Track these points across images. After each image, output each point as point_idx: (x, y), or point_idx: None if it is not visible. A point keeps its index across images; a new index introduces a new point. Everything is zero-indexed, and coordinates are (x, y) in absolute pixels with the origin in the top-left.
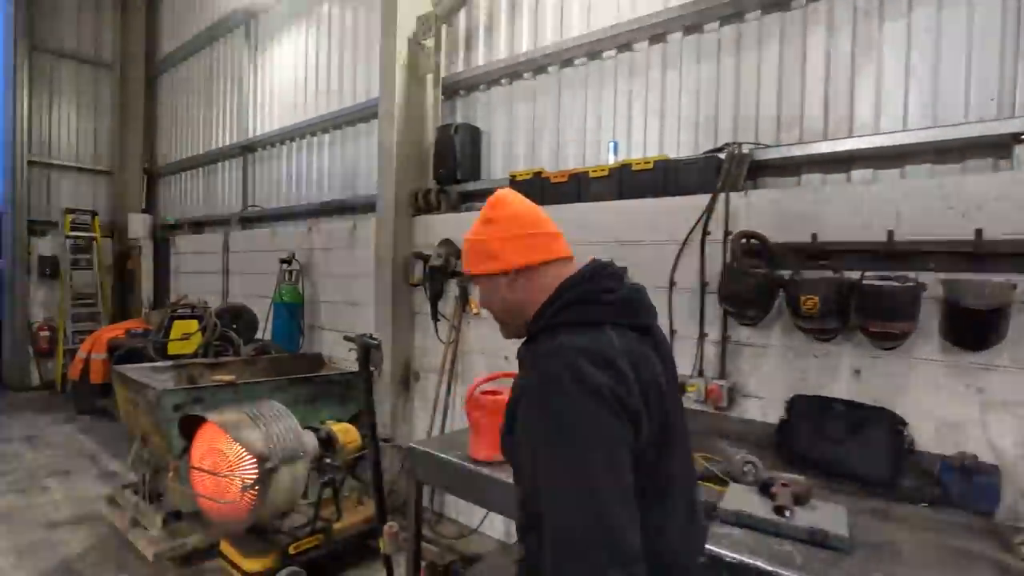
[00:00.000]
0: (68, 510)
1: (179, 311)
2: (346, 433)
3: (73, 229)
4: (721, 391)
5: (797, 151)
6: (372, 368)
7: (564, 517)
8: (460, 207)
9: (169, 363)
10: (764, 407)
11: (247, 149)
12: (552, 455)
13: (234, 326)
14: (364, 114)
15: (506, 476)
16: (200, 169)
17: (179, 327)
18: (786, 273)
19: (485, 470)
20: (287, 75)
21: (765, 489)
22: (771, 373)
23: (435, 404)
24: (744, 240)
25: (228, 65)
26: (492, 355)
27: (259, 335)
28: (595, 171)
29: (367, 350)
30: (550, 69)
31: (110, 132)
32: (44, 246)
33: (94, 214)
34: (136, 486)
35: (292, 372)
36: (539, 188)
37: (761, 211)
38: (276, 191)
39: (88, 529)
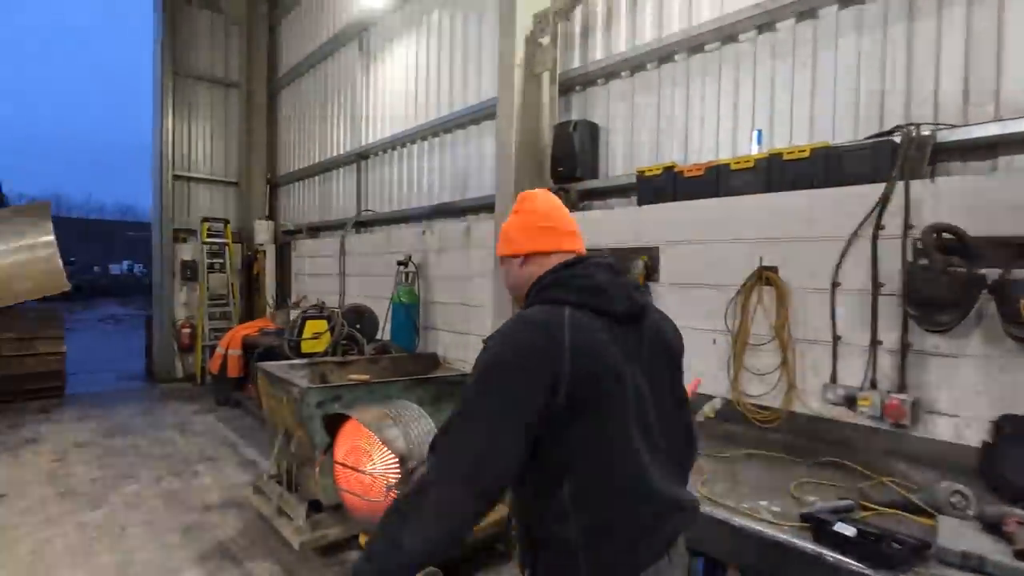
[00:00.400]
0: (218, 494)
1: (310, 311)
2: None
3: (209, 236)
4: (903, 406)
5: (995, 129)
6: None
7: (445, 435)
8: (580, 205)
9: (304, 361)
10: (958, 426)
11: (361, 156)
12: (465, 392)
13: (357, 326)
14: (475, 116)
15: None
16: (316, 177)
17: (311, 326)
18: (994, 272)
19: None
20: (398, 83)
21: (993, 527)
22: (968, 387)
23: None
24: (936, 234)
25: (342, 78)
26: None
27: (377, 335)
28: (737, 163)
29: None
30: (677, 58)
31: (238, 147)
32: (185, 252)
33: (226, 222)
34: (279, 477)
35: (411, 371)
36: (671, 183)
37: (952, 201)
38: (389, 195)
39: (237, 514)
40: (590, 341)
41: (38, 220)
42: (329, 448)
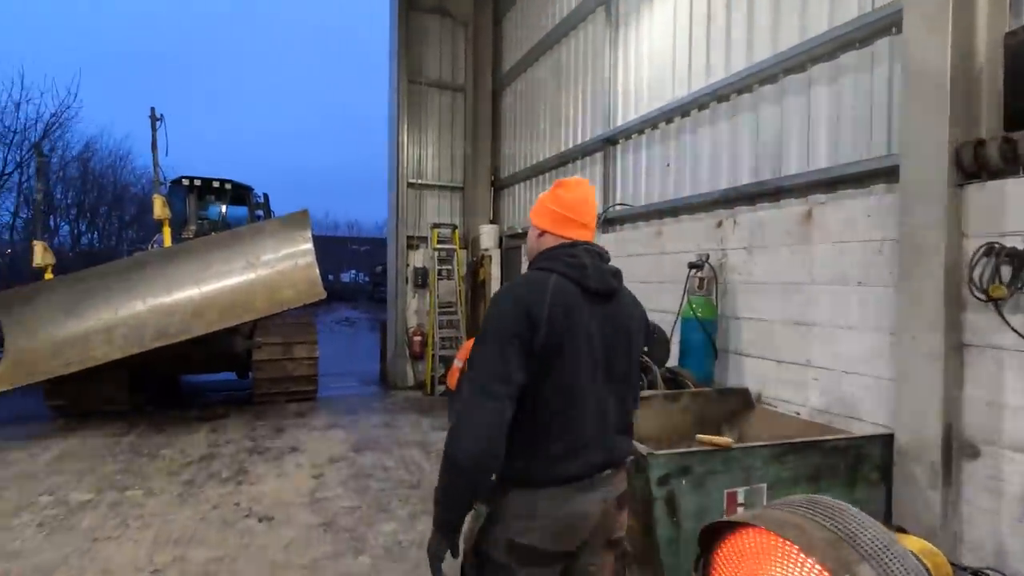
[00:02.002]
0: None
1: None
2: (933, 558)
3: (438, 243)
4: None
5: None
6: None
7: (473, 358)
8: None
9: None
10: None
11: (609, 142)
12: (482, 328)
13: (645, 348)
14: (794, 62)
15: None
16: (546, 175)
17: None
18: None
19: None
20: (661, 49)
21: None
22: None
23: None
24: None
25: (581, 59)
26: None
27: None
28: None
29: None
30: None
31: (463, 150)
32: (416, 258)
33: (454, 227)
34: None
35: (718, 415)
36: None
37: None
38: (648, 183)
39: None
40: (565, 300)
41: (299, 229)
42: (701, 563)
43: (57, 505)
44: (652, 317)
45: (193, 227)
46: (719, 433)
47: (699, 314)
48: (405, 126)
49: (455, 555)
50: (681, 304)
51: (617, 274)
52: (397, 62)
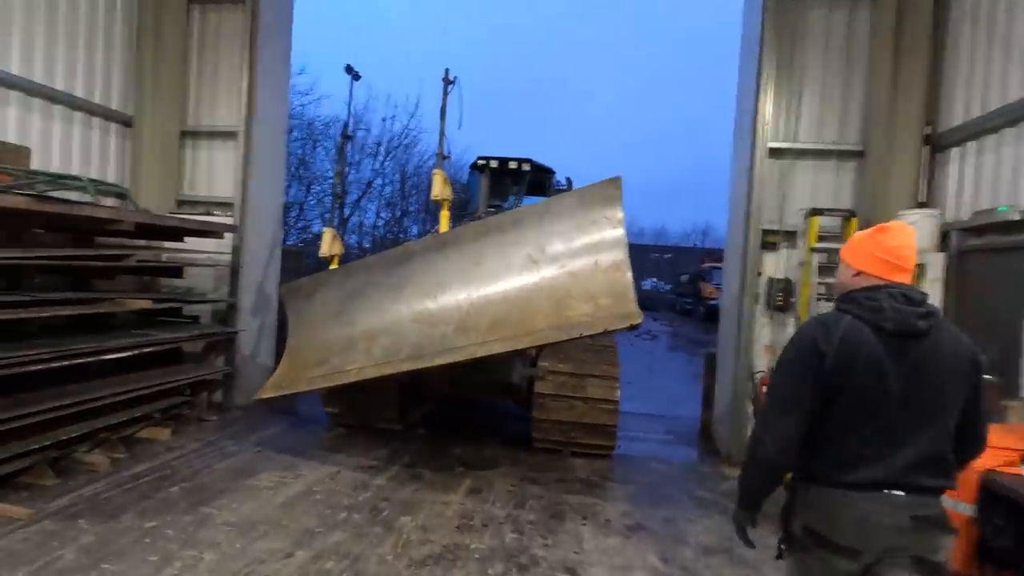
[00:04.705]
0: None
1: None
2: None
3: (819, 240)
4: None
5: None
6: None
7: (774, 380)
8: None
9: None
10: None
11: None
12: (782, 354)
13: None
14: None
15: None
16: None
17: None
18: None
19: None
20: None
21: None
22: None
23: None
24: None
25: None
26: None
27: None
28: None
29: None
30: None
31: (864, 94)
32: (774, 265)
33: (850, 215)
34: None
35: None
36: None
37: None
38: None
39: None
40: (855, 342)
41: (604, 207)
42: None
43: None
44: None
45: (481, 213)
46: None
47: None
48: (771, 63)
49: (754, 525)
50: None
51: (928, 315)
52: None
